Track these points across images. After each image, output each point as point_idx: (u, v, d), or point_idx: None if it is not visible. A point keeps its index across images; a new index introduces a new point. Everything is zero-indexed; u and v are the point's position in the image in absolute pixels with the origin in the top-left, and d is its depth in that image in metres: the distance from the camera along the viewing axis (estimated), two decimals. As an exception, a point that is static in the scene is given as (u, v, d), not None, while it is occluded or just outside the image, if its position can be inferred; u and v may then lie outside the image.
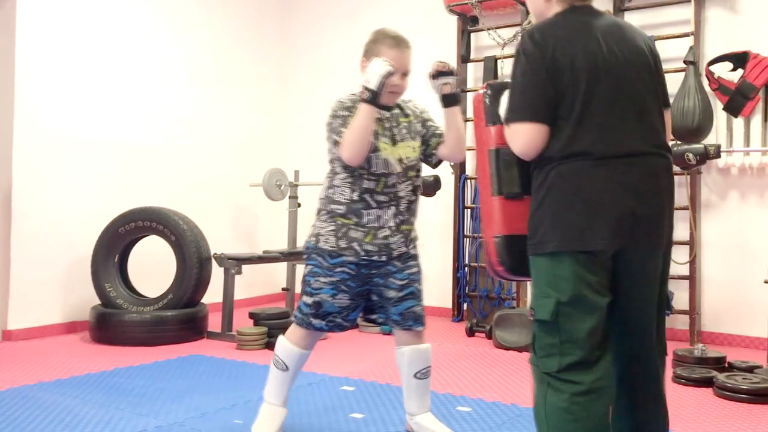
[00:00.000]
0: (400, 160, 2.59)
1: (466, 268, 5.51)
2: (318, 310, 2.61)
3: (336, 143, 2.53)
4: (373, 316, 2.72)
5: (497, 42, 5.40)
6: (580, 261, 1.82)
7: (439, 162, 2.73)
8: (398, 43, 2.56)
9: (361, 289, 2.64)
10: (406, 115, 2.68)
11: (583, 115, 1.84)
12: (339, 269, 2.59)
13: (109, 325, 4.50)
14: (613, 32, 1.93)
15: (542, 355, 1.89)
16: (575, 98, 1.84)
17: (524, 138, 1.87)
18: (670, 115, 2.08)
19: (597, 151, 1.83)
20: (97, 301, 4.72)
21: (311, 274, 2.63)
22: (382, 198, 2.57)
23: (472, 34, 5.62)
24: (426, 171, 5.07)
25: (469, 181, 5.57)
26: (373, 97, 2.46)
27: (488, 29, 5.44)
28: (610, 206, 1.83)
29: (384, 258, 2.59)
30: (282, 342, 2.70)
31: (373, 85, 2.45)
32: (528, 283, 4.89)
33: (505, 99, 1.98)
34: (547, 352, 1.87)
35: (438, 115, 2.69)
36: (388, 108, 2.62)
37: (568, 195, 1.84)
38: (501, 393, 3.47)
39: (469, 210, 5.55)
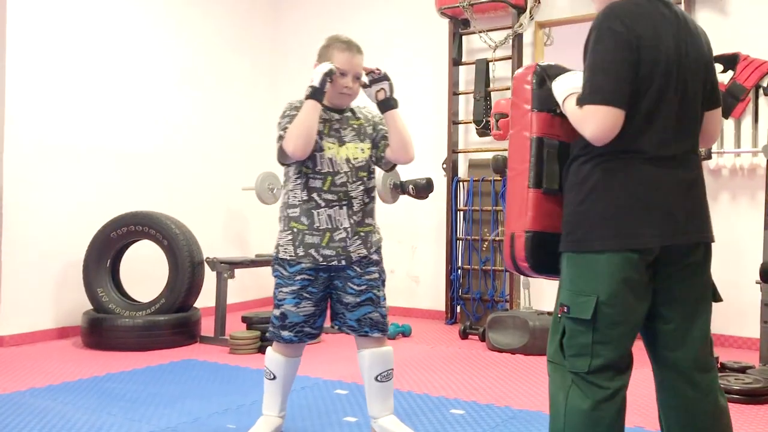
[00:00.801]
0: (348, 160, 2.62)
1: (459, 271, 5.52)
2: (284, 321, 2.63)
3: (281, 137, 2.56)
4: (334, 321, 2.71)
5: (488, 45, 5.41)
6: (626, 260, 1.78)
7: (392, 166, 2.75)
8: (349, 46, 2.62)
9: (323, 294, 2.65)
10: (357, 119, 2.72)
11: (651, 115, 1.78)
12: (298, 277, 2.60)
13: (102, 331, 4.48)
14: (685, 27, 1.86)
15: (572, 354, 1.83)
16: (647, 93, 1.77)
17: (602, 122, 1.73)
18: (720, 114, 2.01)
19: (651, 150, 1.79)
20: (89, 306, 4.70)
21: (276, 285, 2.67)
22: (330, 197, 2.58)
23: (463, 37, 5.63)
24: (420, 173, 5.07)
25: (461, 183, 5.58)
26: (315, 93, 2.51)
27: (479, 32, 5.45)
28: (660, 204, 1.79)
29: (343, 262, 2.60)
30: (268, 351, 2.74)
31: (316, 82, 2.52)
32: (522, 285, 4.91)
33: (560, 85, 1.87)
34: (579, 351, 1.82)
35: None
36: (340, 111, 2.67)
37: (618, 192, 1.79)
38: (494, 395, 3.47)
39: (461, 212, 5.56)
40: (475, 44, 5.63)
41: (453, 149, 5.55)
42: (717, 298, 1.96)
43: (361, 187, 2.65)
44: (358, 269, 2.63)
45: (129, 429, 2.88)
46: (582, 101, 1.78)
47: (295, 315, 2.62)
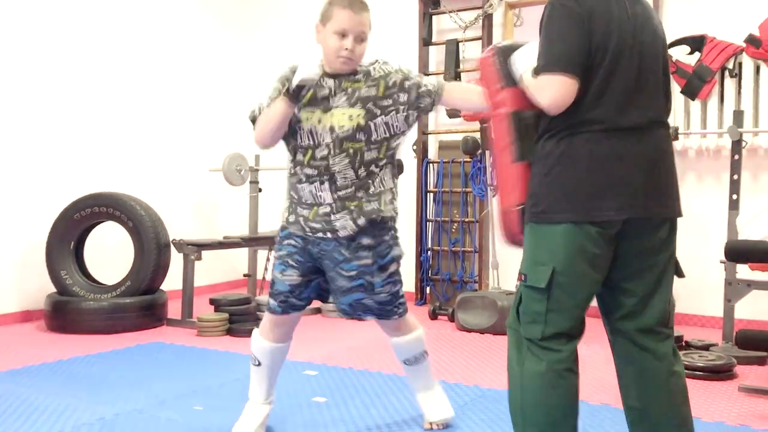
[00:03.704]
0: (332, 129, 2.37)
1: (429, 252, 5.52)
2: (272, 288, 2.53)
3: (253, 117, 2.49)
4: (327, 300, 2.69)
5: (459, 25, 5.38)
6: (584, 232, 1.82)
7: (455, 114, 2.60)
8: (351, 3, 2.35)
9: (311, 266, 2.50)
10: (356, 81, 2.41)
11: (606, 84, 1.82)
12: (286, 242, 2.50)
13: (66, 314, 4.40)
14: (638, 6, 1.91)
15: (526, 321, 1.89)
16: (601, 65, 1.81)
17: (554, 90, 1.79)
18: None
19: (612, 123, 1.82)
20: (53, 289, 4.61)
21: (274, 256, 2.59)
22: (309, 171, 2.41)
23: (433, 17, 5.59)
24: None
25: (431, 165, 5.57)
26: (292, 97, 2.33)
27: (450, 12, 5.42)
28: (622, 178, 1.82)
29: (329, 235, 2.41)
30: (253, 336, 2.63)
31: (293, 83, 2.29)
32: (491, 265, 4.93)
33: (517, 60, 1.91)
34: (532, 318, 1.88)
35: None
36: (335, 76, 2.42)
37: (581, 165, 1.82)
38: (463, 374, 3.49)
39: (431, 194, 5.55)
40: (445, 24, 5.60)
41: (423, 131, 5.53)
42: (680, 273, 1.99)
43: (346, 160, 2.37)
44: (346, 253, 2.43)
45: (93, 412, 2.84)
46: (536, 71, 1.83)
47: (281, 283, 2.50)
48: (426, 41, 5.53)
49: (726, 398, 3.09)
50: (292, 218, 2.50)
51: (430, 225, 5.54)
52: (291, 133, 2.45)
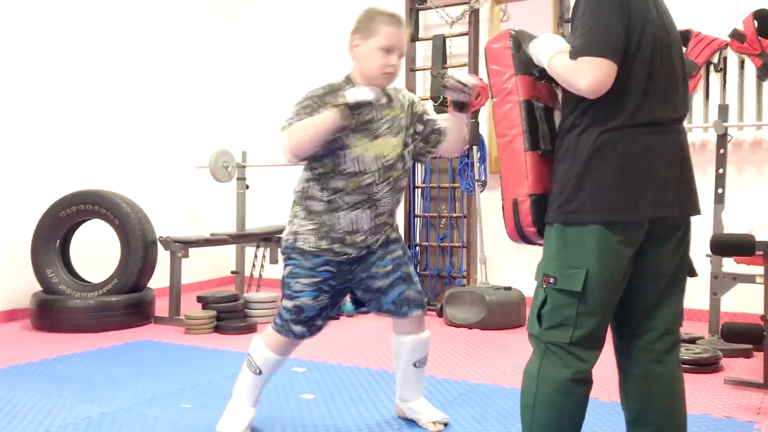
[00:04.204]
0: (377, 158, 2.38)
1: (417, 248, 5.52)
2: (299, 315, 2.44)
3: (285, 128, 2.34)
4: (365, 309, 2.60)
5: (445, 20, 5.38)
6: (617, 233, 1.77)
7: (430, 157, 2.60)
8: (396, 20, 2.38)
9: (342, 287, 2.51)
10: (392, 107, 2.47)
11: (640, 78, 1.77)
12: (321, 268, 2.43)
13: (52, 312, 4.37)
14: (662, 4, 1.89)
15: (552, 325, 1.82)
16: (636, 57, 1.77)
17: (595, 72, 1.71)
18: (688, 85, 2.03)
19: (647, 118, 1.78)
20: (39, 288, 4.58)
21: (291, 275, 2.45)
22: (355, 198, 2.38)
23: (420, 13, 5.58)
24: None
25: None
26: (346, 114, 2.24)
27: (436, 7, 5.41)
28: (655, 176, 1.78)
29: (364, 253, 2.47)
30: (258, 344, 2.52)
31: (353, 100, 2.21)
32: (479, 261, 4.93)
33: (541, 45, 1.85)
34: (561, 322, 1.81)
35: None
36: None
37: (614, 164, 1.76)
38: (452, 370, 3.49)
39: (419, 189, 5.55)
40: (431, 20, 5.60)
41: (410, 126, 5.52)
42: (693, 273, 1.95)
43: (387, 189, 2.42)
44: (379, 251, 2.49)
45: (80, 411, 2.82)
46: (577, 53, 1.75)
47: (312, 308, 2.44)
48: (413, 37, 5.52)
49: (712, 391, 3.11)
50: (324, 244, 2.43)
51: (418, 220, 5.54)
52: (329, 156, 2.38)
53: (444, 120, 2.59)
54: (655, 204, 1.78)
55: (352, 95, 2.22)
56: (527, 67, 1.91)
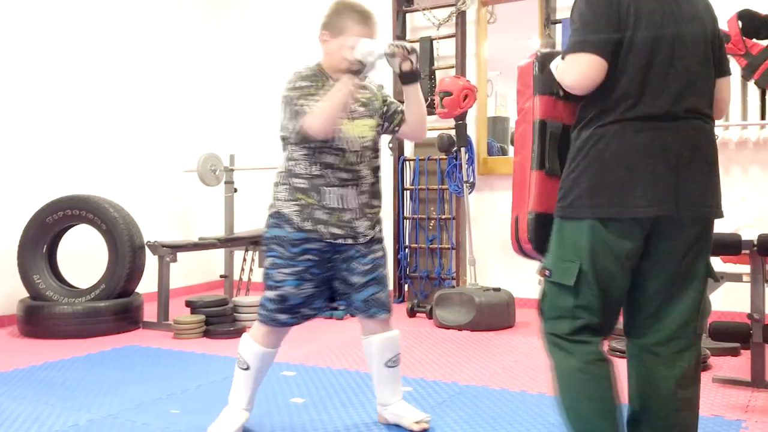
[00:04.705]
0: (357, 138, 2.47)
1: (406, 250, 5.52)
2: (283, 303, 2.46)
3: (296, 114, 2.34)
4: (334, 303, 2.61)
5: (432, 23, 5.39)
6: (611, 229, 1.77)
7: (396, 141, 2.66)
8: (365, 19, 2.40)
9: (325, 276, 2.51)
10: (366, 92, 2.54)
11: (641, 69, 1.77)
12: (303, 257, 2.44)
13: (39, 318, 4.34)
14: None
15: (552, 316, 1.87)
16: (631, 49, 1.77)
17: (579, 68, 1.76)
18: (728, 83, 1.96)
19: (643, 111, 1.77)
20: (25, 294, 4.55)
21: (272, 266, 2.47)
22: (344, 175, 2.43)
23: (407, 15, 5.59)
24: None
25: (407, 162, 5.57)
26: (361, 70, 2.29)
27: (423, 10, 5.42)
28: (649, 173, 1.76)
29: (350, 241, 2.47)
30: (245, 339, 2.57)
31: (366, 59, 2.27)
32: (468, 262, 4.94)
33: (555, 63, 1.91)
34: (558, 314, 1.85)
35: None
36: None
37: (606, 159, 1.77)
38: (441, 372, 3.49)
39: (408, 191, 5.55)
40: (418, 22, 5.61)
41: (398, 128, 5.52)
42: (714, 276, 1.92)
43: (367, 168, 2.50)
44: (362, 248, 2.50)
45: (67, 418, 2.79)
46: (564, 53, 1.82)
47: (296, 297, 2.45)
48: (400, 39, 5.52)
49: (703, 389, 3.12)
50: (308, 224, 2.43)
51: (407, 222, 5.55)
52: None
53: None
54: (647, 202, 1.75)
55: (368, 52, 2.27)
56: (549, 87, 1.94)
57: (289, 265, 2.45)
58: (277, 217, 2.48)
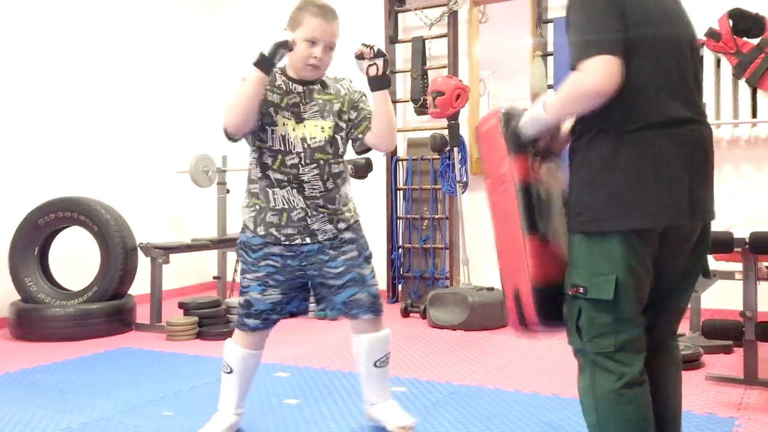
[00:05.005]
0: (303, 140, 2.39)
1: (400, 250, 5.52)
2: (249, 308, 2.47)
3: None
4: (320, 306, 2.59)
5: (424, 22, 5.38)
6: (637, 237, 1.73)
7: (366, 149, 2.51)
8: (323, 11, 2.35)
9: (294, 283, 2.48)
10: (326, 93, 2.46)
11: (646, 76, 1.70)
12: (263, 263, 2.43)
13: (31, 321, 4.31)
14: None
15: (595, 335, 1.76)
16: (638, 51, 1.69)
17: (604, 70, 1.63)
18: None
19: (658, 118, 1.71)
20: (17, 297, 4.52)
21: (241, 272, 2.51)
22: (280, 176, 2.39)
23: (399, 15, 5.59)
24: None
25: (400, 162, 5.56)
26: (262, 63, 2.26)
27: (415, 9, 5.42)
28: (669, 181, 1.72)
29: (308, 240, 2.42)
30: (227, 344, 2.57)
31: (266, 50, 2.26)
32: (461, 262, 4.93)
33: (530, 112, 1.78)
34: (601, 331, 1.75)
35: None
36: (304, 83, 2.43)
37: (627, 169, 1.70)
38: (435, 372, 3.49)
39: (401, 191, 5.55)
40: (410, 22, 5.60)
41: (391, 128, 5.52)
42: (706, 273, 1.92)
43: (316, 171, 2.40)
44: (331, 251, 2.44)
45: (60, 421, 2.78)
46: (578, 60, 1.67)
47: (261, 302, 2.45)
48: (392, 39, 5.52)
49: (693, 387, 3.13)
50: (261, 229, 2.43)
51: (400, 222, 5.54)
52: (261, 130, 2.40)
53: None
54: (673, 210, 1.72)
55: (268, 44, 2.26)
56: (521, 145, 1.81)
57: (252, 271, 2.47)
58: (243, 225, 2.51)
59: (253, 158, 2.45)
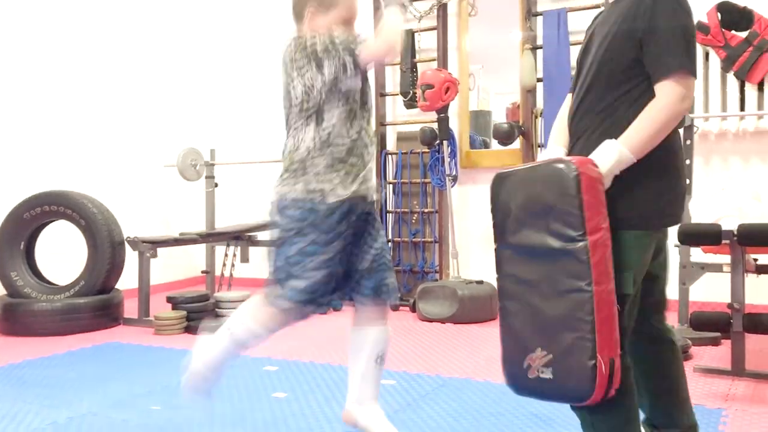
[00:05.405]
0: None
1: (389, 243, 5.51)
2: (314, 294, 2.22)
3: (351, 52, 2.15)
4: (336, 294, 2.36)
5: (414, 15, 5.37)
6: (653, 236, 1.84)
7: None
8: None
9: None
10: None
11: None
12: (347, 232, 2.22)
13: (17, 316, 4.28)
14: None
15: None
16: None
17: (690, 93, 1.71)
18: None
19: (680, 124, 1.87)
20: (3, 292, 4.49)
21: (303, 253, 2.19)
22: (372, 134, 2.34)
23: (388, 8, 5.56)
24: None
25: (390, 156, 5.55)
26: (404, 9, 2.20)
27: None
28: (682, 180, 1.85)
29: (368, 209, 2.32)
30: (243, 318, 2.32)
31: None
32: (451, 255, 4.93)
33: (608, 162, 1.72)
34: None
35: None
36: None
37: (663, 170, 1.79)
38: (425, 364, 3.48)
39: (391, 185, 5.54)
40: (400, 15, 5.58)
41: (381, 122, 5.51)
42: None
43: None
44: (373, 230, 2.34)
45: (46, 416, 2.76)
46: (685, 72, 1.69)
47: (326, 284, 2.23)
48: (381, 32, 5.50)
49: (682, 379, 3.15)
50: (359, 187, 2.23)
51: (390, 216, 5.53)
52: (361, 90, 2.27)
53: None
54: (683, 208, 1.87)
55: None
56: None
57: (324, 252, 2.21)
58: (322, 192, 2.21)
59: (342, 119, 2.24)
